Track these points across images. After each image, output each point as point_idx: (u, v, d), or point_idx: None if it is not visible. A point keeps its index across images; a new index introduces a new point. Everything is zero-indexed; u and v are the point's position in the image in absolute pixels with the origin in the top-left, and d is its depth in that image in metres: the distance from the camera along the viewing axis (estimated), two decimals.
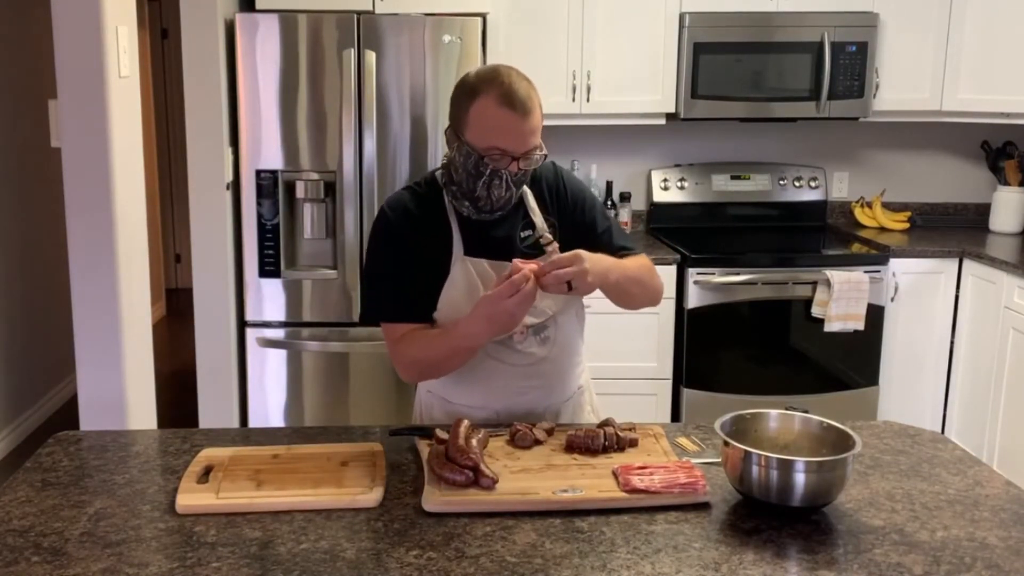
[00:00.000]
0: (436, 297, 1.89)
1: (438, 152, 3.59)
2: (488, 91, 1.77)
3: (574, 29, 3.95)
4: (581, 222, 1.97)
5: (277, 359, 3.70)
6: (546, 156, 1.86)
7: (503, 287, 1.71)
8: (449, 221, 1.90)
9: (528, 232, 1.92)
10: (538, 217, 1.91)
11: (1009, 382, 3.65)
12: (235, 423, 3.74)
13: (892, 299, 3.93)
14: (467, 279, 1.88)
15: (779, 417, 1.70)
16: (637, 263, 1.97)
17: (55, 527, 1.47)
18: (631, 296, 1.95)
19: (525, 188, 1.91)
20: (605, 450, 1.75)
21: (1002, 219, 4.29)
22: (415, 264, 1.88)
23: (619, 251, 1.97)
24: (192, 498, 1.55)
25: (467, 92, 1.80)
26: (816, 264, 3.84)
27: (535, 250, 1.90)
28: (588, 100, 3.97)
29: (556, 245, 1.87)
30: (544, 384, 1.98)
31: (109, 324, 2.75)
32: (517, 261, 1.74)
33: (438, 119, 3.57)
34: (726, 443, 1.56)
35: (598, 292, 1.87)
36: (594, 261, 1.76)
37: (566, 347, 1.99)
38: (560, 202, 1.97)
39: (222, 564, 1.37)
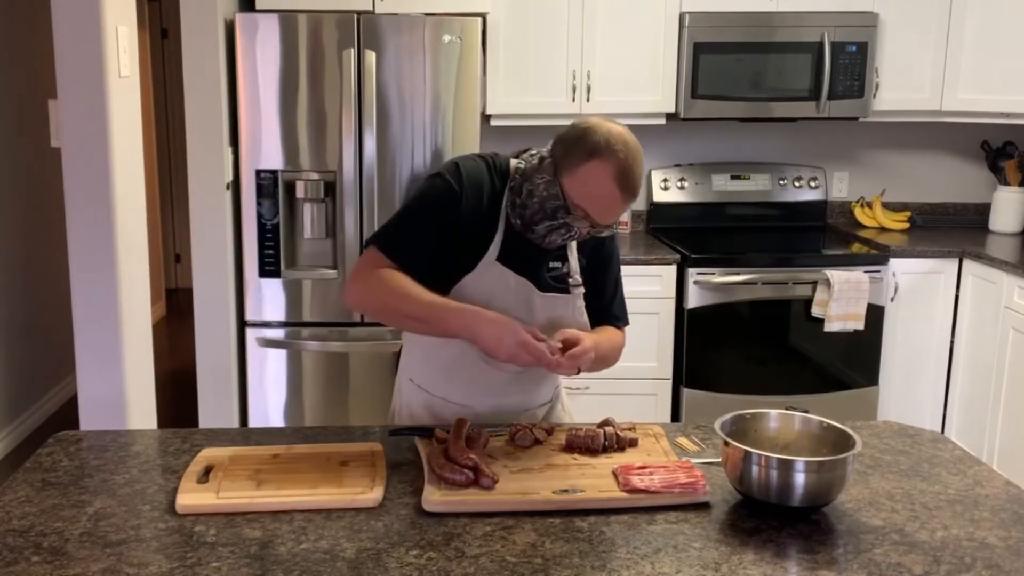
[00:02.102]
0: (449, 282, 1.84)
1: (440, 152, 3.59)
2: (611, 158, 1.70)
3: (574, 29, 3.95)
4: (598, 277, 1.98)
5: (277, 359, 3.70)
6: (616, 230, 1.86)
7: (535, 346, 1.71)
8: (498, 221, 1.85)
9: (557, 264, 1.91)
10: (574, 258, 1.92)
11: (1009, 382, 3.65)
12: (235, 423, 3.74)
13: (892, 299, 3.93)
14: (488, 282, 1.85)
15: (779, 417, 1.70)
16: (610, 344, 1.95)
17: (55, 527, 1.47)
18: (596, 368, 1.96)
19: None
20: (605, 450, 1.75)
21: (1002, 219, 4.29)
22: (450, 238, 1.83)
23: (609, 319, 1.99)
24: (192, 498, 1.54)
25: (590, 146, 1.72)
26: (816, 264, 3.84)
27: (560, 283, 1.90)
28: (588, 100, 3.97)
29: (582, 290, 1.91)
30: (525, 389, 1.98)
31: (109, 324, 2.75)
32: (562, 335, 1.75)
33: (438, 118, 3.57)
34: (726, 443, 1.56)
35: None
36: None
37: None
38: (595, 249, 1.96)
39: (222, 564, 1.37)
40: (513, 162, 1.89)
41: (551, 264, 1.90)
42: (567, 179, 1.74)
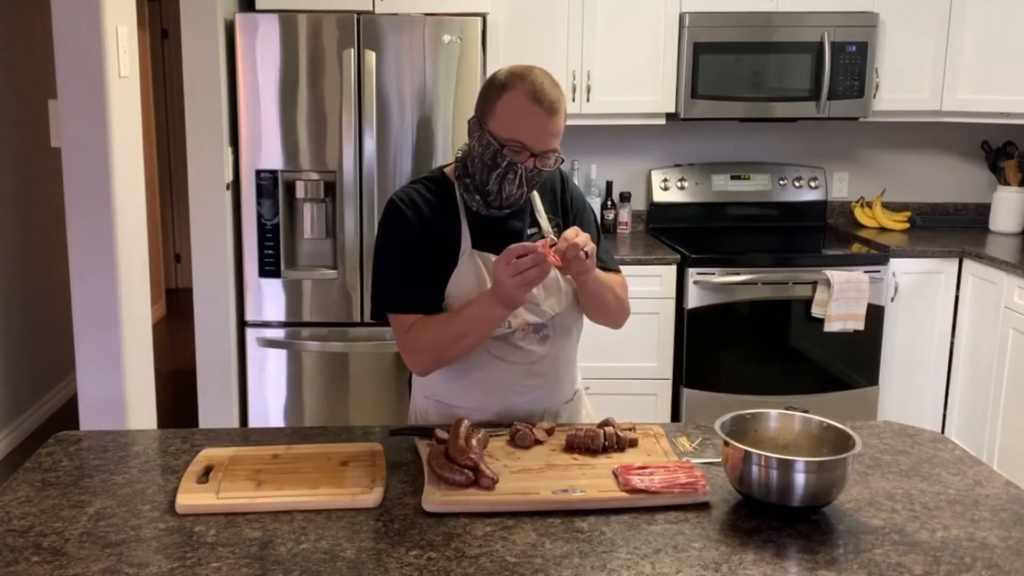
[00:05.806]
0: (443, 288, 1.91)
1: (439, 152, 3.59)
2: (519, 86, 1.82)
3: (574, 29, 3.94)
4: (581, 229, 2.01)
5: (277, 359, 3.70)
6: (562, 161, 1.90)
7: (516, 250, 1.73)
8: (459, 214, 1.92)
9: (534, 230, 1.96)
10: (543, 219, 1.98)
11: (1009, 382, 3.65)
12: (235, 423, 3.74)
13: (892, 299, 3.93)
14: (475, 271, 1.90)
15: (779, 417, 1.70)
16: (617, 279, 2.03)
17: (55, 527, 1.47)
18: (606, 305, 1.98)
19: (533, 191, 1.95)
20: (605, 450, 1.75)
21: (1002, 219, 4.29)
22: (425, 256, 1.90)
23: (603, 270, 2.01)
24: (192, 498, 1.55)
25: (498, 86, 1.85)
26: (816, 264, 3.84)
27: None
28: (588, 100, 3.97)
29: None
30: (543, 384, 1.99)
31: (109, 324, 2.75)
32: (543, 242, 1.77)
33: (438, 119, 3.57)
34: (726, 443, 1.56)
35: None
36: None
37: (564, 348, 2.01)
38: (564, 208, 2.03)
39: (222, 564, 1.37)
40: (447, 168, 1.99)
41: (529, 232, 1.95)
42: (492, 122, 1.84)
